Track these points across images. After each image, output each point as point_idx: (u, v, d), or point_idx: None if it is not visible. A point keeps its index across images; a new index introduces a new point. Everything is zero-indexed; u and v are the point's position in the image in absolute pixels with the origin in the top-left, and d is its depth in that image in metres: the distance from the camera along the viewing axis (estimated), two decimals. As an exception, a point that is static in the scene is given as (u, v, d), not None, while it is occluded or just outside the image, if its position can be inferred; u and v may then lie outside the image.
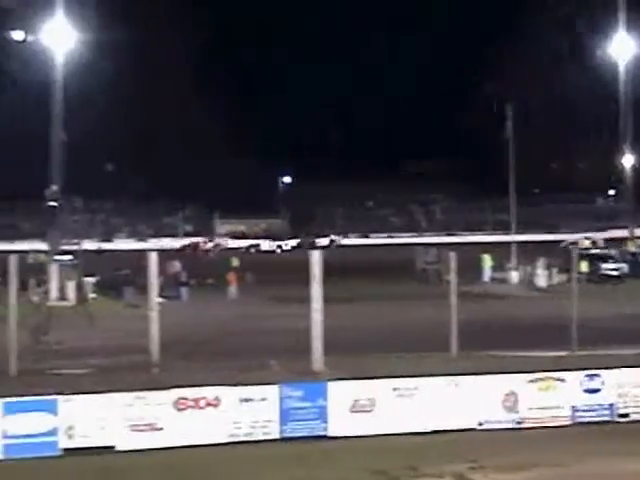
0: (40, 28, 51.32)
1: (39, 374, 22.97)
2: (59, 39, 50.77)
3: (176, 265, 51.87)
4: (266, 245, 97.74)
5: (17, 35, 52.51)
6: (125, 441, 19.88)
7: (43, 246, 54.81)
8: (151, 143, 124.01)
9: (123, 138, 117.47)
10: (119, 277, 51.34)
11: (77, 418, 19.71)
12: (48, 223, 52.98)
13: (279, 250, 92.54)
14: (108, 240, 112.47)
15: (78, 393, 20.08)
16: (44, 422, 19.54)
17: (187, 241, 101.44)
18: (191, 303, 46.48)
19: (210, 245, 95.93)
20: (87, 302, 45.22)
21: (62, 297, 47.44)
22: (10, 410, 19.38)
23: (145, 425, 20.01)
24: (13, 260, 23.42)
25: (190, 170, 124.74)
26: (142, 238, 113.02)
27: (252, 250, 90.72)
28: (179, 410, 20.18)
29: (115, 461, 19.30)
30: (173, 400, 20.19)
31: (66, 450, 19.60)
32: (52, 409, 19.63)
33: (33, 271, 46.78)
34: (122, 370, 23.60)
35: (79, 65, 55.10)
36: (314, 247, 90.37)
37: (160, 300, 24.24)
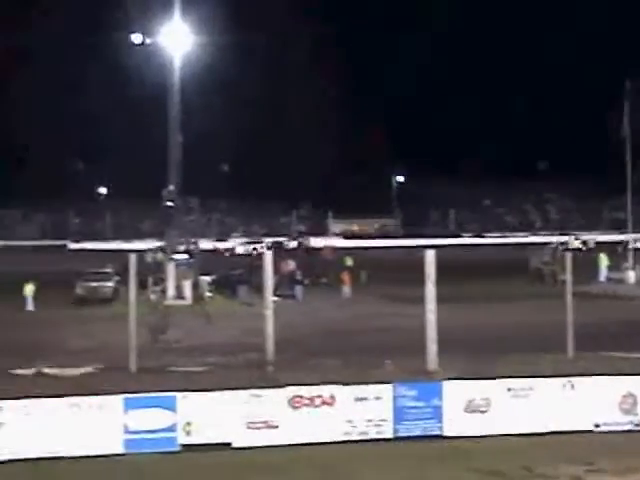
0: (158, 31, 52.22)
1: (158, 371, 23.42)
2: (176, 42, 51.60)
3: (290, 264, 52.25)
4: (241, 249, 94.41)
5: (136, 38, 53.46)
6: (241, 438, 20.20)
7: (160, 245, 55.76)
8: (265, 143, 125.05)
9: (238, 139, 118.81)
10: (234, 276, 51.95)
11: (195, 415, 20.09)
12: (165, 223, 53.92)
13: (255, 252, 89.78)
14: (223, 240, 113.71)
15: (196, 390, 20.47)
16: (163, 418, 19.97)
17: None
18: (305, 302, 46.74)
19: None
20: (203, 301, 45.92)
21: (179, 296, 48.24)
22: (131, 406, 19.87)
23: (261, 423, 20.29)
24: (133, 259, 23.94)
25: (305, 170, 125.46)
26: (256, 238, 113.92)
27: (227, 254, 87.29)
28: (294, 408, 20.41)
29: (231, 458, 19.62)
30: (288, 398, 20.42)
31: (184, 446, 19.99)
32: (171, 406, 20.05)
33: (151, 270, 47.72)
34: (238, 368, 23.94)
35: (195, 67, 55.92)
36: (282, 249, 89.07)
37: (275, 299, 24.48)
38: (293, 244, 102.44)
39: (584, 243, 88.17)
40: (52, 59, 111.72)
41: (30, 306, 44.82)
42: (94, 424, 19.64)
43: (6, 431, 19.45)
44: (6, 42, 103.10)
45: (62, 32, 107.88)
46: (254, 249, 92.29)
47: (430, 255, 23.28)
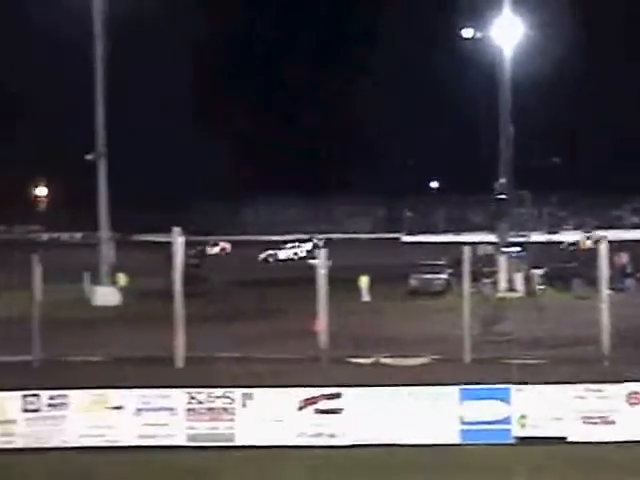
0: (489, 24, 52.28)
1: (491, 363, 23.62)
2: (507, 34, 51.46)
3: (623, 257, 50.86)
4: (282, 254, 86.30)
5: (466, 32, 53.80)
6: (577, 433, 20.03)
7: (491, 238, 55.84)
8: (596, 135, 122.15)
9: (569, 131, 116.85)
10: (568, 269, 51.19)
11: (529, 407, 20.13)
12: (497, 216, 53.98)
13: (296, 257, 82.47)
14: (554, 232, 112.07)
15: (530, 383, 20.49)
16: (498, 410, 20.15)
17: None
18: (638, 295, 45.33)
19: (216, 249, 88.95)
20: (535, 293, 45.67)
21: (511, 288, 48.19)
22: (466, 397, 20.20)
23: (597, 418, 20.04)
24: (467, 252, 24.31)
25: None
26: (587, 230, 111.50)
27: (270, 260, 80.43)
28: (632, 405, 20.01)
29: (566, 452, 19.50)
30: (625, 394, 20.05)
31: (519, 439, 20.07)
32: (505, 398, 20.20)
33: (482, 263, 47.92)
34: (572, 361, 23.73)
35: (526, 59, 55.45)
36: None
37: (608, 292, 24.06)
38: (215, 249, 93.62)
39: (596, 242, 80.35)
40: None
41: (365, 297, 46.18)
42: (431, 414, 20.13)
43: (346, 417, 20.33)
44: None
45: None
46: (295, 254, 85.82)
47: None
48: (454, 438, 20.08)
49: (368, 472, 18.84)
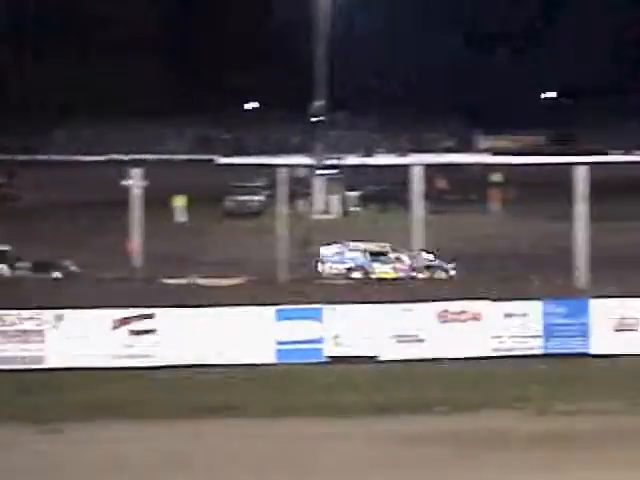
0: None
1: (306, 283, 23.65)
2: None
3: (442, 181, 51.48)
4: None
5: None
6: (388, 352, 20.35)
7: (308, 160, 55.89)
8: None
9: (388, 54, 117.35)
10: (381, 191, 51.58)
11: (341, 327, 20.29)
12: (313, 138, 53.96)
13: None
14: (369, 155, 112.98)
15: (342, 302, 20.64)
16: (311, 330, 20.26)
17: None
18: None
19: None
20: (350, 215, 46.03)
21: (326, 210, 48.40)
22: (281, 317, 20.22)
23: (408, 336, 20.37)
24: (282, 174, 24.18)
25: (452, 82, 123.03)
26: (403, 153, 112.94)
27: None
28: (442, 322, 20.40)
29: (378, 370, 19.80)
30: (437, 312, 20.41)
31: (331, 358, 20.25)
32: (318, 317, 20.30)
33: (299, 185, 47.93)
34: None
35: None
36: None
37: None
38: None
39: None
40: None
41: (181, 217, 45.43)
42: (247, 334, 20.09)
43: (159, 339, 20.09)
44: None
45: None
46: None
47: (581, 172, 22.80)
48: (270, 358, 20.11)
49: (182, 390, 18.64)
